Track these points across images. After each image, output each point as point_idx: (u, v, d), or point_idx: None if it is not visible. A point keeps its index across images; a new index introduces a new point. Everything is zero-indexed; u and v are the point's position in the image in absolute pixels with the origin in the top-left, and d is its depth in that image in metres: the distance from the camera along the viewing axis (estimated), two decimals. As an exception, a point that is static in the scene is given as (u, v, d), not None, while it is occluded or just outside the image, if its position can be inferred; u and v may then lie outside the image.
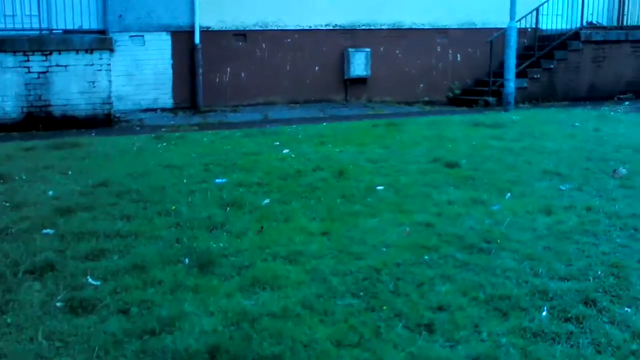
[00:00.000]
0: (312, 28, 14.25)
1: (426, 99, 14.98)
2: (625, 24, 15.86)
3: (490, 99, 14.24)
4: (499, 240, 4.80)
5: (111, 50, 12.11)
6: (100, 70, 11.85)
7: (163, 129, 10.90)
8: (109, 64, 11.98)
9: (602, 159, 7.46)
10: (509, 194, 6.04)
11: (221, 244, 4.77)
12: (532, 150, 7.99)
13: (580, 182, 6.46)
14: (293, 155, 7.87)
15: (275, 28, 14.00)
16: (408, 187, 6.33)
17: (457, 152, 7.93)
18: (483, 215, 5.43)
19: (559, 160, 7.37)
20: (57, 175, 7.01)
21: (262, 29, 13.91)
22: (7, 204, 5.90)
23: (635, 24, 15.84)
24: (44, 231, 5.12)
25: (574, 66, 15.11)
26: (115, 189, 6.36)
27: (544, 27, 15.42)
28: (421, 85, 15.15)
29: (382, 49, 14.73)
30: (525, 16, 14.62)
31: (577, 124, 10.15)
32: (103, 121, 11.84)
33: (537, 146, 8.24)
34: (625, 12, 15.92)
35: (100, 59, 11.88)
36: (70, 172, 7.13)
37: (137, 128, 11.57)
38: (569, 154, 7.77)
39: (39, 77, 11.55)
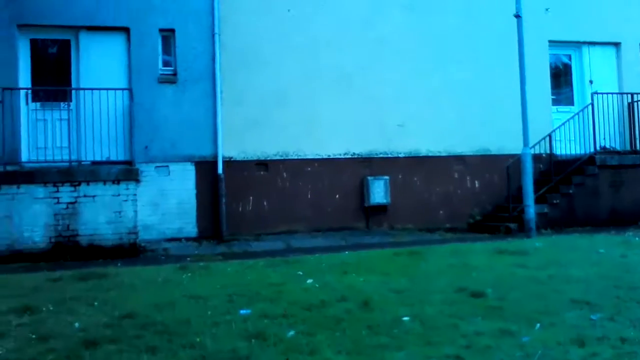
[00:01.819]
0: (331, 157, 14.64)
1: (447, 225, 15.05)
2: (638, 148, 16.10)
3: (512, 225, 14.24)
4: (532, 374, 4.69)
5: (137, 181, 12.40)
6: (126, 200, 12.10)
7: (188, 259, 10.95)
8: (135, 194, 12.24)
9: (631, 287, 7.33)
10: (538, 325, 5.92)
11: (247, 378, 4.70)
12: (558, 279, 7.89)
13: (611, 311, 6.32)
14: (317, 285, 7.84)
15: (296, 157, 14.40)
16: (434, 318, 6.24)
17: (482, 281, 7.85)
18: (513, 347, 5.31)
19: (588, 289, 7.25)
20: (84, 307, 7.01)
21: (282, 158, 14.32)
22: (34, 336, 5.88)
23: (649, 147, 16.05)
24: (70, 365, 5.09)
25: (592, 191, 15.21)
26: (140, 320, 6.34)
27: (558, 152, 15.71)
28: (441, 211, 15.29)
29: (400, 176, 15.02)
30: (539, 142, 14.99)
31: (602, 250, 10.08)
32: (129, 251, 11.95)
33: (563, 274, 8.15)
34: (637, 136, 16.18)
35: (127, 189, 12.16)
36: (96, 303, 7.14)
37: (162, 258, 11.65)
38: (596, 282, 7.66)
39: (67, 208, 11.81)
